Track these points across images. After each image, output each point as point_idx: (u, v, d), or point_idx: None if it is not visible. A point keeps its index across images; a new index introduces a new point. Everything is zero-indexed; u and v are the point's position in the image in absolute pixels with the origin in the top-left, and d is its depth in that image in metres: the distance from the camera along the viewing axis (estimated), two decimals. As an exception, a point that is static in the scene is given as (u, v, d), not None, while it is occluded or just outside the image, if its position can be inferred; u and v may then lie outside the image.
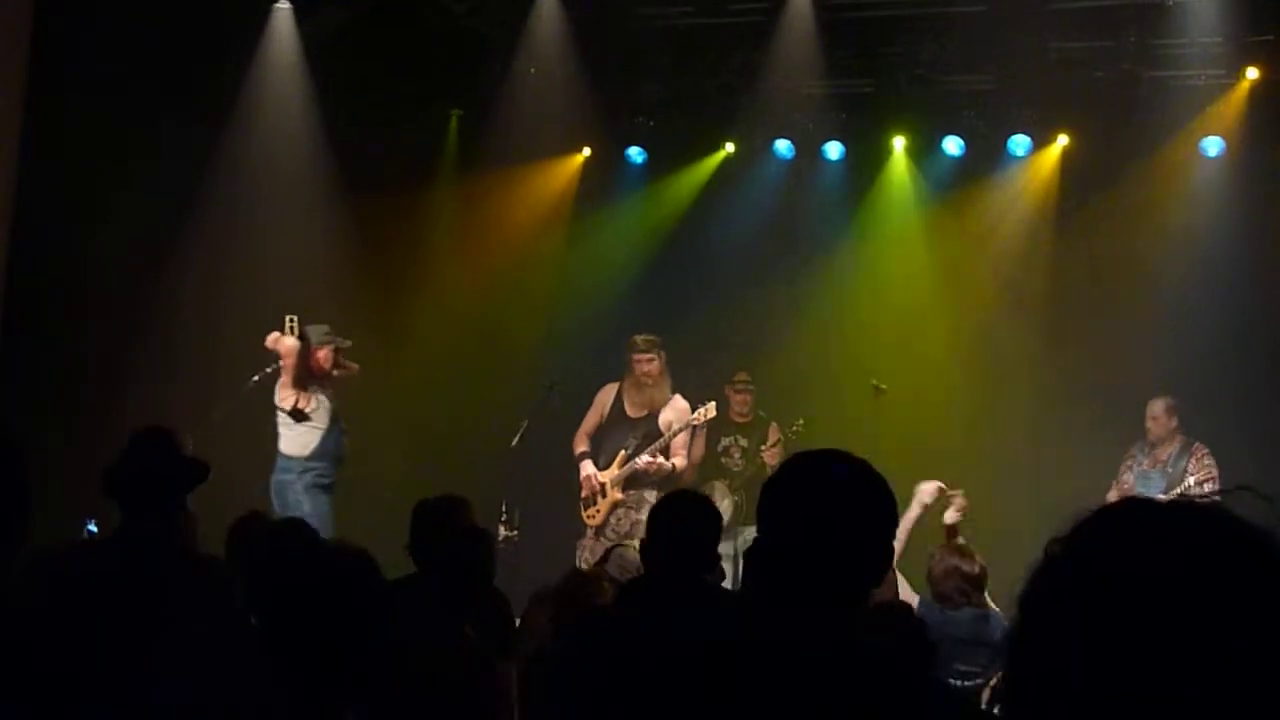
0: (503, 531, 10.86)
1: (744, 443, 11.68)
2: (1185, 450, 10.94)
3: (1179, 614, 1.33)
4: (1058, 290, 12.38)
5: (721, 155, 13.46)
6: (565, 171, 13.86)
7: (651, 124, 13.17)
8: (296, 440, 10.60)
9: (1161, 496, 10.36)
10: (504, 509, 10.98)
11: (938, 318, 12.69)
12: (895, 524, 2.87)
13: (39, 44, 10.57)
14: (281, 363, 10.61)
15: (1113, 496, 10.78)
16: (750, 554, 2.88)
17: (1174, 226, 12.01)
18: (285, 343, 10.62)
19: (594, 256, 13.49)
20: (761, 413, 11.75)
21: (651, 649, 3.82)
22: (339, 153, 12.51)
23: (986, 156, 12.63)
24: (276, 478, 10.58)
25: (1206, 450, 10.88)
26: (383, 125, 12.21)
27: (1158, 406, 11.03)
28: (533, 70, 12.61)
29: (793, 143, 13.05)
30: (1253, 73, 11.34)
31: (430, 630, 4.93)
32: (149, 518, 4.94)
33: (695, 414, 11.00)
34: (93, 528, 6.32)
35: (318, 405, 10.64)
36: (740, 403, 11.79)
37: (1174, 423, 11.02)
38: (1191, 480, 10.68)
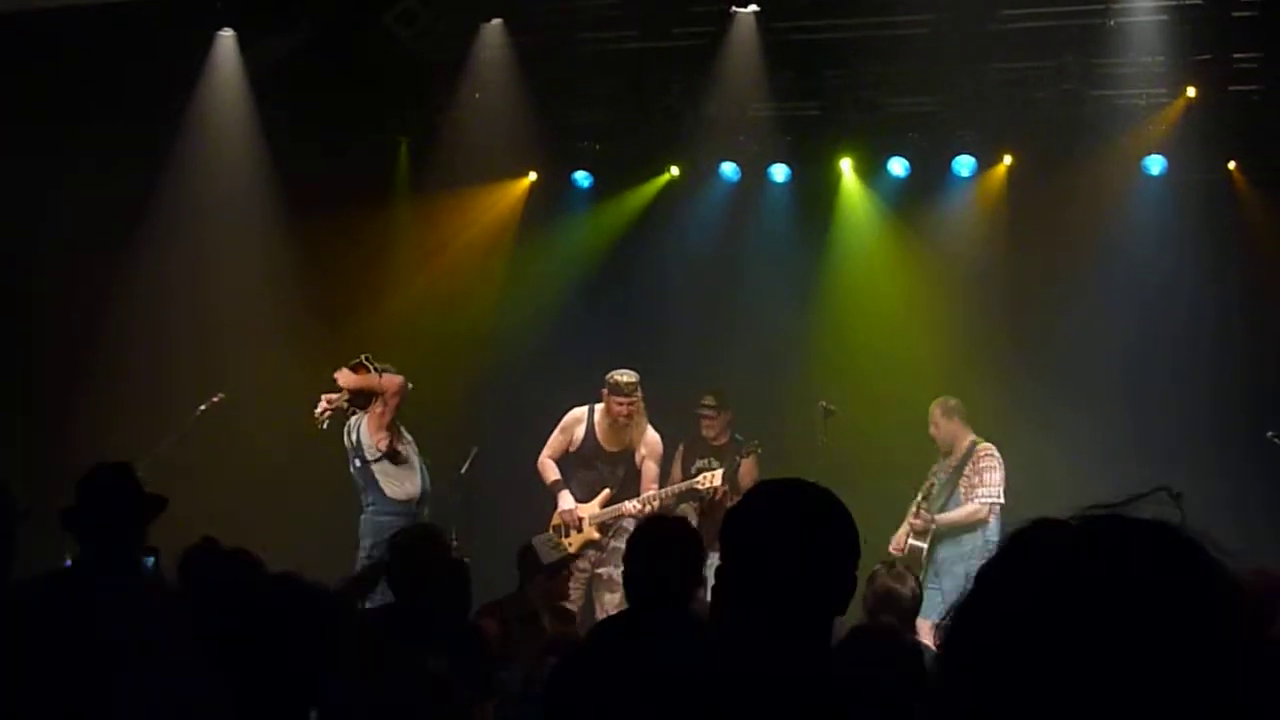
0: (454, 559, 10.82)
1: (716, 465, 11.45)
2: (970, 454, 10.84)
3: (1084, 628, 1.32)
4: (1010, 308, 12.43)
5: (665, 178, 13.47)
6: (511, 196, 13.82)
7: (597, 148, 13.17)
8: (400, 484, 10.37)
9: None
10: (454, 537, 10.93)
11: (891, 338, 12.70)
12: (857, 552, 2.86)
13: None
14: (384, 401, 10.42)
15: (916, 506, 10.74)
16: (715, 585, 2.87)
17: (1118, 243, 12.11)
18: (392, 380, 10.43)
19: (541, 281, 13.46)
20: (738, 436, 11.56)
21: (632, 684, 3.79)
22: (285, 179, 12.46)
23: (932, 178, 12.67)
24: (378, 519, 10.23)
25: (989, 451, 10.80)
26: (328, 151, 12.14)
27: (935, 411, 10.94)
28: (478, 96, 12.59)
29: (738, 165, 13.06)
30: (1192, 91, 11.45)
31: (392, 661, 4.89)
32: (109, 552, 4.94)
33: (698, 479, 10.89)
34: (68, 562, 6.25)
35: (408, 444, 10.50)
36: (707, 426, 11.61)
37: (954, 424, 10.90)
38: (972, 495, 10.65)
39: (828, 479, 9.69)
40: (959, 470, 10.78)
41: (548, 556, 8.41)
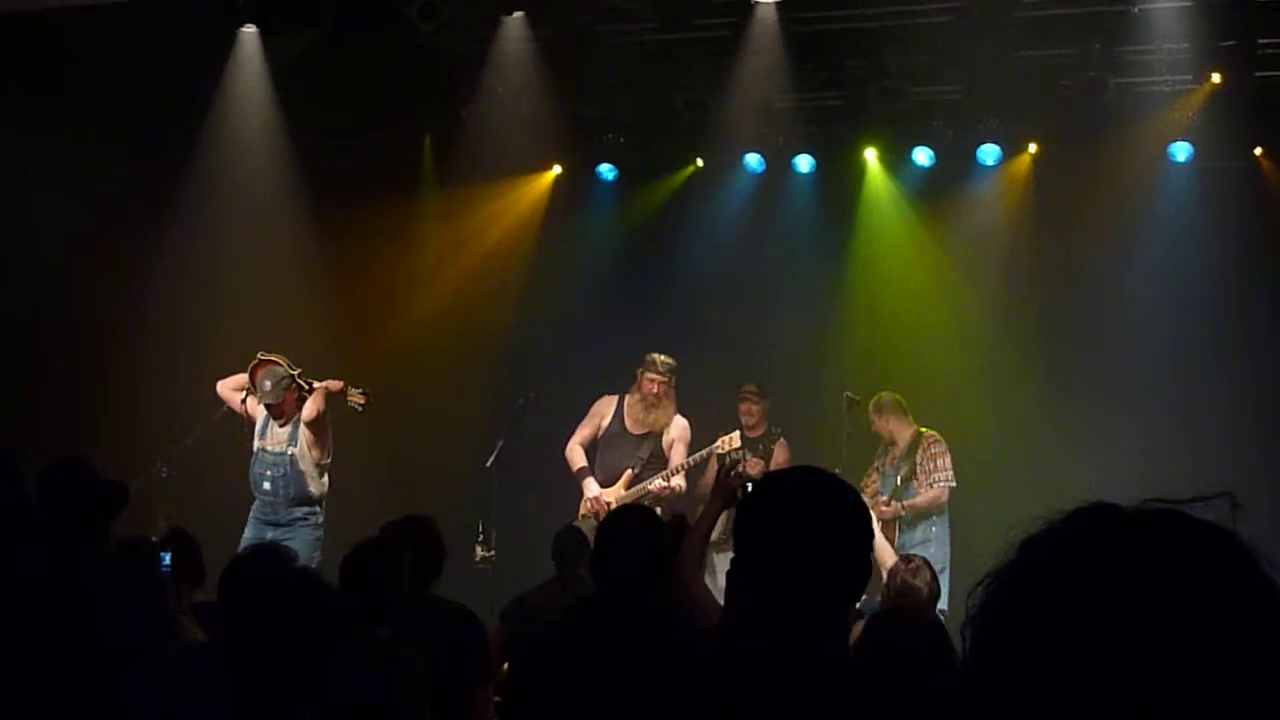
0: (480, 552, 10.85)
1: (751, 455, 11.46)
2: (915, 443, 11.01)
3: (1149, 621, 1.31)
4: (1035, 296, 12.41)
5: (690, 170, 13.47)
6: (536, 190, 13.85)
7: (621, 140, 13.16)
8: None
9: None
10: (481, 529, 10.96)
11: (915, 327, 12.69)
12: (870, 537, 2.85)
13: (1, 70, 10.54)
14: None
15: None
16: (730, 574, 2.86)
17: (1143, 231, 12.08)
18: None
19: (567, 274, 13.47)
20: (775, 427, 11.62)
21: (603, 669, 3.80)
22: (309, 175, 12.47)
23: (957, 166, 12.64)
24: None
25: (935, 438, 11.00)
26: (352, 147, 12.16)
27: (870, 410, 11.13)
28: (501, 89, 12.59)
29: (763, 156, 13.05)
30: (1217, 78, 11.39)
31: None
32: (71, 550, 4.91)
33: (717, 443, 10.91)
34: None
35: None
36: (746, 413, 11.64)
37: (888, 420, 11.10)
38: (919, 484, 10.86)
39: (853, 469, 9.74)
40: (908, 459, 10.97)
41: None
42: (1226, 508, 1.40)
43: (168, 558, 5.78)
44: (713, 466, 11.11)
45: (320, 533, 10.40)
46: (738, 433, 10.99)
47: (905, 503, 10.80)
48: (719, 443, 10.90)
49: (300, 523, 10.39)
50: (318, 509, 10.50)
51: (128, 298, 11.94)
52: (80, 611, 4.70)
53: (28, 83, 10.80)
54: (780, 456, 11.28)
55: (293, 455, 10.44)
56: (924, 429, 11.07)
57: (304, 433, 10.47)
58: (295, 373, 10.51)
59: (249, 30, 12.09)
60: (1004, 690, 1.37)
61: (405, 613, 5.43)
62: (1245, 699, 1.29)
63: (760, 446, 11.38)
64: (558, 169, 13.77)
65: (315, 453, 10.47)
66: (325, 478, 10.57)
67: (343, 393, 10.58)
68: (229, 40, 12.12)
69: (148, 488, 10.26)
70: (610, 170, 13.50)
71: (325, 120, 12.18)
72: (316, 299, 12.64)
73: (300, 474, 10.44)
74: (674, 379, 11.11)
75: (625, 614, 4.49)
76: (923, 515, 10.87)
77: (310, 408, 10.47)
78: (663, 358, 11.10)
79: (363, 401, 10.61)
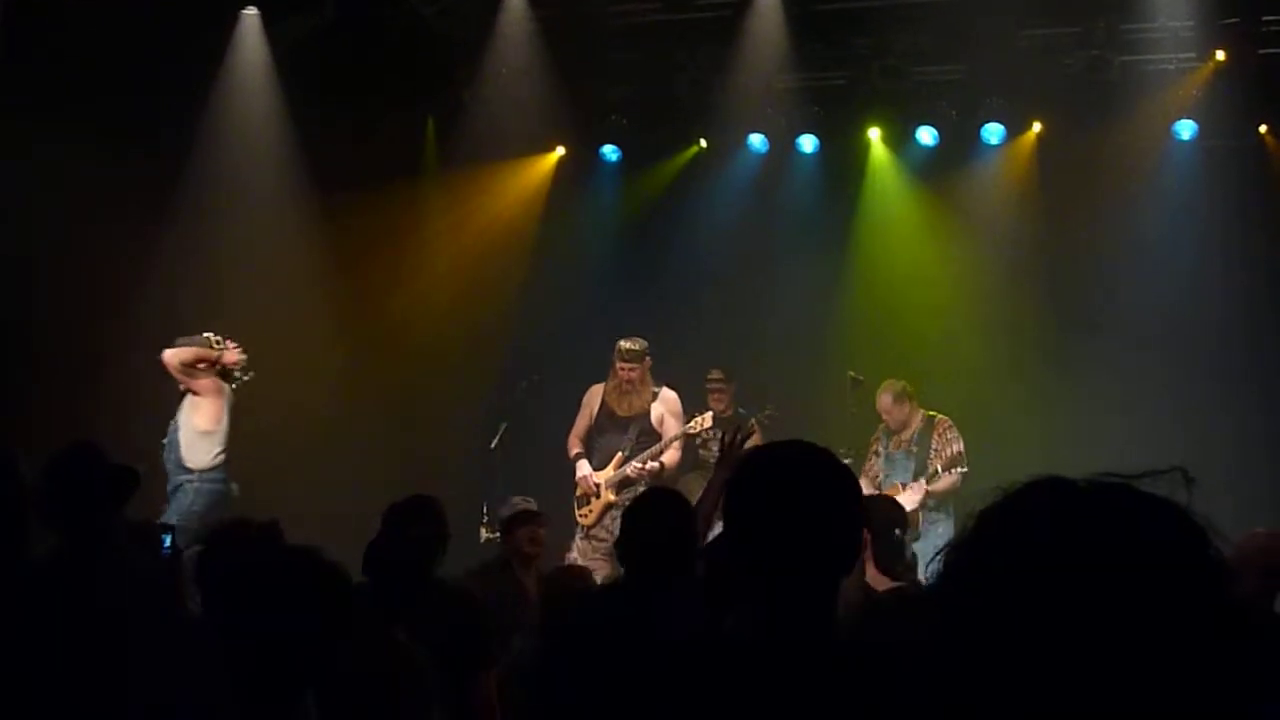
0: (484, 534, 10.87)
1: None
2: (928, 427, 11.02)
3: (1102, 594, 1.34)
4: (1039, 274, 12.39)
5: (694, 151, 13.44)
6: (539, 171, 13.82)
7: (625, 122, 13.13)
8: None
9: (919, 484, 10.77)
10: (485, 511, 10.97)
11: (919, 307, 12.68)
12: (859, 511, 2.83)
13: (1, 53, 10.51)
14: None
15: (863, 484, 10.81)
16: (711, 548, 2.85)
17: (1148, 209, 12.06)
18: None
19: (570, 256, 13.45)
20: (741, 410, 11.62)
21: (629, 649, 3.79)
22: (311, 158, 12.44)
23: (961, 146, 12.62)
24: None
25: (950, 423, 11.00)
26: (354, 129, 12.14)
27: (885, 399, 11.08)
28: (503, 71, 12.57)
29: (766, 137, 13.02)
30: (1221, 55, 11.36)
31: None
32: (84, 534, 4.90)
33: (690, 424, 10.95)
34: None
35: None
36: (717, 400, 11.71)
37: (906, 408, 11.07)
38: (939, 466, 10.82)
39: (858, 448, 9.72)
40: (920, 444, 10.98)
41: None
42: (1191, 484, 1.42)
43: (168, 540, 5.77)
44: (684, 443, 11.15)
45: (206, 490, 10.00)
46: (710, 414, 11.00)
47: (929, 488, 10.78)
48: (692, 423, 10.94)
49: (179, 491, 10.06)
50: (195, 478, 10.07)
51: (128, 285, 11.90)
52: (96, 596, 4.69)
53: (26, 69, 10.77)
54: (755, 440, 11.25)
55: (178, 423, 10.25)
56: (931, 412, 11.07)
57: (188, 399, 10.25)
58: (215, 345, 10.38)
59: (250, 13, 12.10)
60: (959, 659, 1.39)
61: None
62: (1184, 668, 1.31)
63: (733, 426, 11.41)
64: (561, 150, 13.74)
65: (195, 419, 10.15)
66: (212, 449, 10.13)
67: (236, 366, 10.40)
68: (230, 23, 12.10)
69: (153, 474, 10.23)
70: (614, 151, 13.48)
71: (327, 103, 12.15)
72: (319, 282, 12.62)
73: (177, 441, 10.17)
74: (648, 360, 11.07)
75: (649, 595, 4.48)
76: (942, 498, 10.89)
77: (189, 348, 10.25)
78: (630, 344, 11.03)
79: (245, 378, 10.44)
